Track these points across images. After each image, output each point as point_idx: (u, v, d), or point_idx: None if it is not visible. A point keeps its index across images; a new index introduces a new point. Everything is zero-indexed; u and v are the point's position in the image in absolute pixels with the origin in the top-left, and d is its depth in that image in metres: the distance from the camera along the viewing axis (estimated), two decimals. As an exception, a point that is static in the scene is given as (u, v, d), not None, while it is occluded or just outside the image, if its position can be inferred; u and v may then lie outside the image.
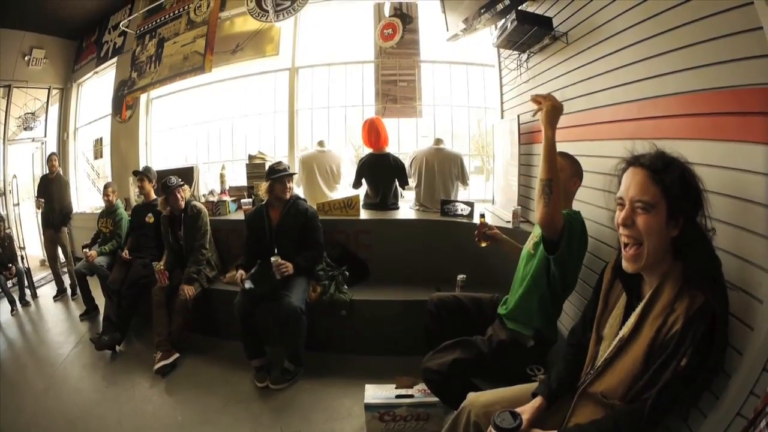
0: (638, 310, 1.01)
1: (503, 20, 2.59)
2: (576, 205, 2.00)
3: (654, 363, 0.93)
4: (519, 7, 2.50)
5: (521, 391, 1.31)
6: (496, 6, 2.61)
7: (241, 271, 2.63)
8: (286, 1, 3.57)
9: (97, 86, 5.73)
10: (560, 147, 2.18)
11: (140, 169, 3.72)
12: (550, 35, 2.36)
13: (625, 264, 1.03)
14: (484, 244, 2.08)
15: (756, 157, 1.04)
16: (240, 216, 3.36)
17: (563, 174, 1.63)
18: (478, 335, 1.77)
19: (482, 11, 2.74)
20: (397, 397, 1.94)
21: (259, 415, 2.20)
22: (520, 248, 2.00)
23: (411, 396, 1.93)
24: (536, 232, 1.75)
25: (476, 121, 4.22)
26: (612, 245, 1.63)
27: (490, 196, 3.72)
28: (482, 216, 2.05)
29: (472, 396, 1.36)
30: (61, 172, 4.64)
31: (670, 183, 0.95)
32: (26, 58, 5.39)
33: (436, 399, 1.86)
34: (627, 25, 1.69)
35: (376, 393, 1.97)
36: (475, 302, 2.04)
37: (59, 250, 4.50)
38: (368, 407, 1.94)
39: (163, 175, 3.55)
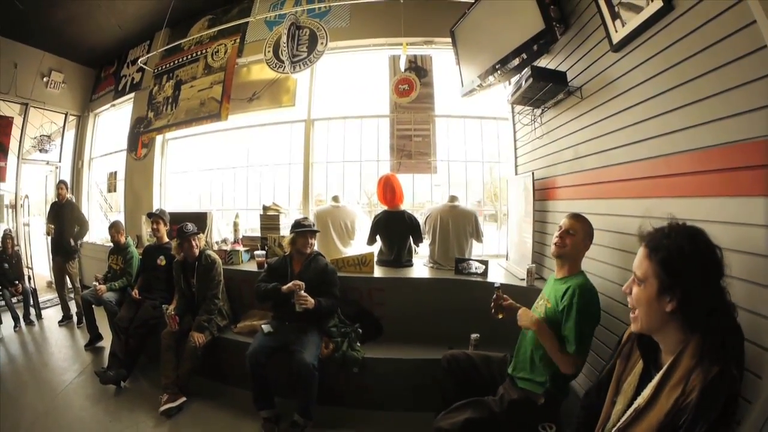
0: (655, 381, 1.01)
1: (518, 77, 2.62)
2: (589, 264, 2.06)
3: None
4: (534, 63, 2.55)
5: None
6: (511, 62, 2.67)
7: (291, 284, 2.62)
8: (303, 52, 3.66)
9: (114, 118, 5.83)
10: (574, 205, 2.35)
11: (154, 210, 3.77)
12: (565, 90, 2.38)
13: (632, 325, 1.10)
14: (500, 316, 2.09)
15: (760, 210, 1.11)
16: (252, 266, 3.41)
17: (577, 237, 1.80)
18: (490, 395, 1.82)
19: (497, 67, 2.80)
20: None
21: None
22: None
23: None
24: (547, 294, 1.85)
25: (488, 168, 4.27)
26: (626, 304, 1.69)
27: (503, 248, 3.75)
28: (498, 288, 2.06)
29: None
30: (73, 199, 4.69)
31: (659, 262, 1.00)
32: (45, 79, 5.50)
33: None
34: (640, 80, 1.75)
35: None
36: (485, 360, 2.08)
37: (67, 278, 4.54)
38: None
39: (177, 218, 3.60)
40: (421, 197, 4.13)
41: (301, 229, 2.78)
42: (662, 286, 1.00)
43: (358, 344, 2.76)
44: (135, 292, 3.42)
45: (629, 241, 1.81)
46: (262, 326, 2.69)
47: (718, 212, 1.25)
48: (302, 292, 2.56)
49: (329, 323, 2.79)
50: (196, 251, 3.07)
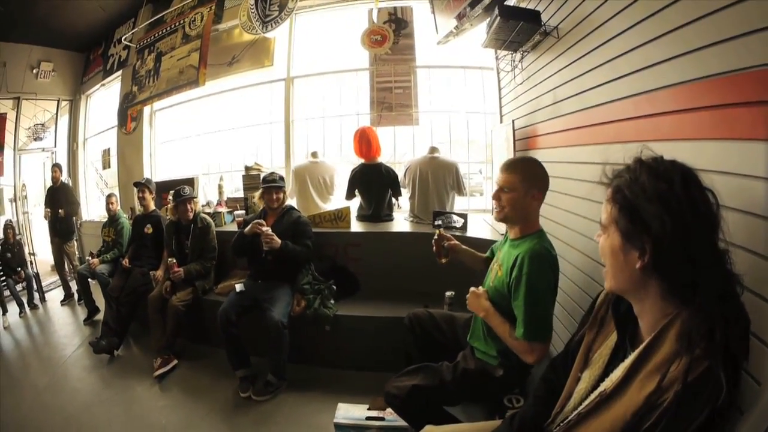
0: (628, 362, 0.81)
1: (489, 18, 2.43)
2: (571, 219, 1.88)
3: (638, 429, 0.75)
4: (504, 2, 2.37)
5: (481, 429, 1.24)
6: (481, 2, 2.46)
7: (253, 222, 2.62)
8: (275, 11, 3.57)
9: (105, 98, 5.89)
10: (553, 153, 2.18)
11: (142, 180, 3.79)
12: (540, 30, 2.19)
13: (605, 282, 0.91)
14: (444, 261, 1.96)
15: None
16: (234, 228, 3.40)
17: (516, 193, 1.50)
18: (449, 360, 1.67)
19: (467, 9, 2.63)
20: (368, 418, 1.90)
21: (239, 426, 2.21)
22: (482, 258, 1.91)
23: (382, 419, 1.88)
24: (501, 258, 1.61)
25: (489, 128, 4.11)
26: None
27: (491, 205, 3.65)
28: (439, 227, 1.92)
29: (428, 429, 1.29)
30: (68, 181, 4.78)
31: (620, 205, 0.81)
32: (34, 71, 5.57)
33: (406, 424, 1.78)
34: (615, 10, 1.50)
35: (348, 413, 1.94)
36: (449, 321, 1.93)
37: (66, 258, 4.68)
38: (338, 427, 1.91)
39: (165, 186, 3.61)
40: (403, 156, 4.04)
41: (266, 185, 2.75)
42: (625, 234, 0.81)
43: (332, 301, 2.70)
44: (125, 261, 3.48)
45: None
46: (236, 285, 2.70)
47: (710, 159, 0.97)
48: (264, 228, 2.53)
49: (302, 280, 2.74)
50: (191, 214, 3.11)
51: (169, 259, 2.95)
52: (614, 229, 0.83)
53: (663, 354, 0.76)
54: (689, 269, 0.76)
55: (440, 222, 1.88)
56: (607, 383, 0.84)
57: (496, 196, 1.55)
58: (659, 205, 0.76)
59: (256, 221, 2.58)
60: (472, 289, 1.61)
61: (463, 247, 1.99)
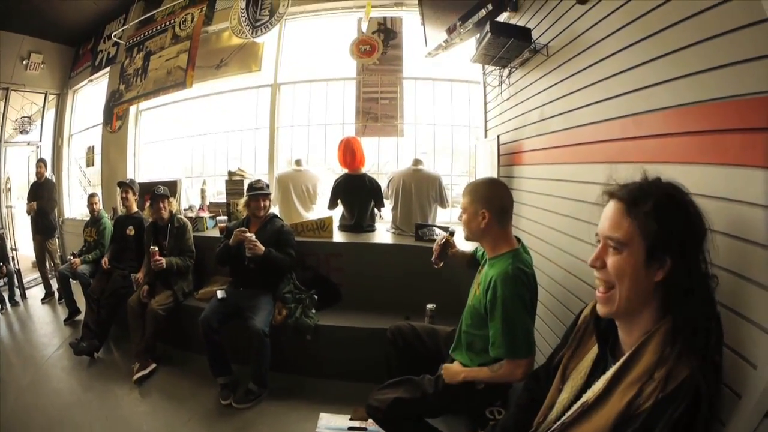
0: (609, 374, 0.84)
1: (479, 34, 2.46)
2: (556, 237, 1.90)
3: None
4: (495, 19, 2.36)
5: None
6: (472, 17, 2.47)
7: (237, 230, 2.63)
8: (265, 16, 3.57)
9: (92, 94, 5.80)
10: (538, 170, 2.23)
11: (126, 180, 3.77)
12: (530, 48, 2.22)
13: (598, 306, 0.90)
14: (440, 265, 1.96)
15: (756, 185, 0.85)
16: (216, 233, 3.38)
17: (467, 215, 1.57)
18: (430, 373, 1.70)
19: (458, 24, 2.65)
20: (350, 429, 1.93)
21: None
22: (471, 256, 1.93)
23: (364, 429, 1.92)
24: (481, 276, 1.63)
25: (474, 141, 4.16)
26: (593, 285, 1.53)
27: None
28: (451, 233, 1.94)
29: None
30: (51, 177, 4.73)
31: (644, 215, 0.79)
32: (24, 62, 5.48)
33: None
34: (609, 31, 1.51)
35: (330, 422, 1.97)
36: (431, 334, 1.96)
37: (47, 255, 4.62)
38: None
39: (148, 187, 3.60)
40: (387, 167, 4.04)
41: (253, 192, 2.76)
42: (652, 248, 0.79)
43: (313, 311, 2.72)
44: (104, 261, 3.45)
45: (595, 212, 1.57)
46: (217, 292, 2.70)
47: (696, 183, 0.97)
48: (248, 235, 2.55)
49: (284, 289, 2.75)
50: (165, 213, 3.09)
51: (152, 248, 2.91)
52: (639, 243, 0.81)
53: (644, 365, 0.79)
54: (689, 278, 0.80)
55: (452, 230, 1.87)
56: (589, 394, 0.86)
57: (459, 217, 1.64)
58: (684, 217, 0.80)
59: (238, 229, 2.59)
60: (444, 366, 1.67)
61: (462, 251, 2.00)
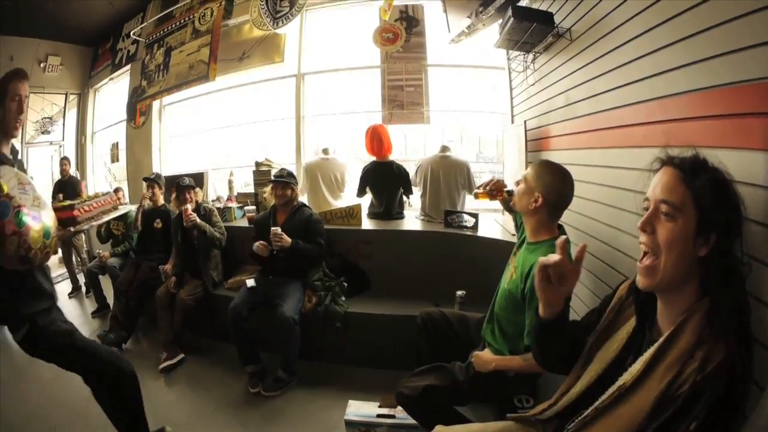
0: (649, 354, 0.81)
1: (502, 19, 2.42)
2: (582, 221, 1.88)
3: (656, 421, 0.76)
4: (518, 3, 2.38)
5: (492, 428, 1.23)
6: (495, 2, 2.50)
7: (257, 243, 2.64)
8: (285, 7, 3.58)
9: (114, 92, 5.89)
10: (564, 155, 2.18)
11: (151, 175, 3.79)
12: (553, 32, 2.19)
13: (638, 278, 0.87)
14: (481, 198, 1.94)
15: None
16: (245, 222, 3.41)
17: (526, 184, 1.53)
18: (460, 360, 1.68)
19: (480, 9, 2.64)
20: (379, 416, 1.89)
21: (248, 422, 2.22)
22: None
23: (393, 416, 1.87)
24: (517, 260, 1.59)
25: (500, 128, 4.11)
26: (622, 272, 1.50)
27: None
28: (510, 193, 1.80)
29: (439, 429, 1.29)
30: (76, 174, 4.79)
31: (701, 187, 0.78)
32: (42, 65, 5.58)
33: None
34: (632, 13, 1.48)
35: (359, 410, 1.93)
36: (462, 321, 1.93)
37: (74, 251, 4.68)
38: (348, 424, 1.91)
39: (173, 179, 3.62)
40: (414, 154, 4.04)
41: (275, 180, 2.75)
42: (703, 221, 0.78)
43: (343, 298, 2.70)
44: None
45: (625, 198, 1.52)
46: (246, 281, 2.70)
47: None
48: (273, 228, 2.53)
49: (313, 277, 2.75)
50: (191, 204, 3.07)
51: (185, 206, 2.89)
52: (691, 213, 0.79)
53: (684, 344, 0.77)
54: (730, 258, 0.79)
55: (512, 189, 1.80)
56: (627, 377, 0.83)
57: (516, 183, 1.61)
58: (731, 197, 0.79)
59: (275, 233, 2.54)
60: (474, 354, 1.64)
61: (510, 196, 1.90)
